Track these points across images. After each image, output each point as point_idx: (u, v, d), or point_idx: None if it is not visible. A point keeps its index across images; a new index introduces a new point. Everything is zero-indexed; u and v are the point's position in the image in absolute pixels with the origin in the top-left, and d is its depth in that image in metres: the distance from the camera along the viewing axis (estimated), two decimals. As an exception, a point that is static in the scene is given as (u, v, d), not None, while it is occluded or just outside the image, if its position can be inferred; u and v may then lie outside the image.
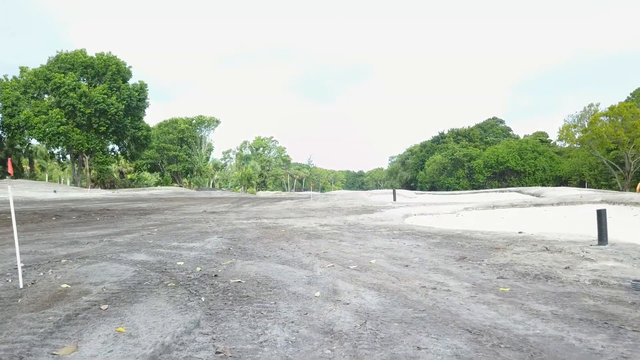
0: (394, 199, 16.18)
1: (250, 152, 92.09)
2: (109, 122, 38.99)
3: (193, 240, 6.26)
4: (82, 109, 37.36)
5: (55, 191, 28.47)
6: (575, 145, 51.36)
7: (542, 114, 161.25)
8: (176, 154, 71.78)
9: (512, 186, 64.00)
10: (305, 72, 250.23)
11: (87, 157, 45.57)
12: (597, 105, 36.00)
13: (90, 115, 37.98)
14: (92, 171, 50.78)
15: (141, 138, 43.32)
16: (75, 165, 42.93)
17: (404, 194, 23.39)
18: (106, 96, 38.17)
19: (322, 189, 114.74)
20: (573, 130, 35.53)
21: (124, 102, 39.63)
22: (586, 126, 34.78)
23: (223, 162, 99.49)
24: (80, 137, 38.41)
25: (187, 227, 8.60)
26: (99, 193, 31.17)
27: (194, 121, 75.43)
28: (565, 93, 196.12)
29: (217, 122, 76.57)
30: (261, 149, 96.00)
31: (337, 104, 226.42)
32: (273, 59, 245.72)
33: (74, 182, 42.95)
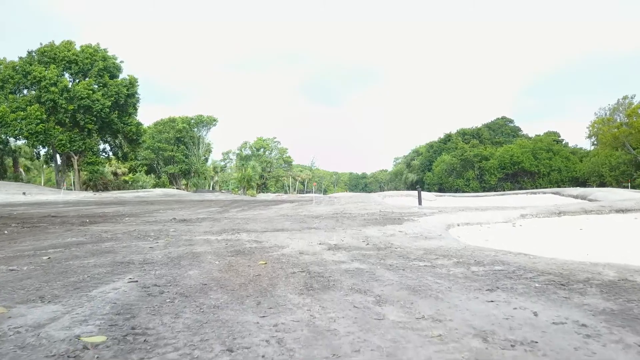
0: (420, 203, 12.84)
1: (250, 153, 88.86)
2: (94, 119, 35.83)
3: (67, 292, 2.96)
4: (64, 105, 34.22)
5: (24, 193, 25.32)
6: (590, 146, 47.84)
7: (545, 116, 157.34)
8: (173, 155, 68.65)
9: (526, 188, 60.52)
10: (308, 75, 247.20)
11: (76, 158, 42.59)
12: (632, 97, 32.53)
13: (74, 111, 34.83)
14: (83, 172, 47.86)
15: (130, 134, 40.06)
16: (60, 165, 39.80)
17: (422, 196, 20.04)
18: (91, 92, 35.01)
19: (325, 191, 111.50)
20: (606, 125, 32.03)
21: (112, 98, 36.52)
22: (619, 120, 31.29)
23: (223, 163, 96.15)
24: (62, 137, 35.26)
25: (111, 250, 5.29)
26: (76, 195, 27.96)
27: (192, 120, 72.42)
28: (567, 94, 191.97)
29: (216, 121, 73.51)
30: (262, 149, 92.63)
31: (341, 106, 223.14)
32: (278, 62, 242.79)
33: (56, 184, 39.82)
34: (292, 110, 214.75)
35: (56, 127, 34.80)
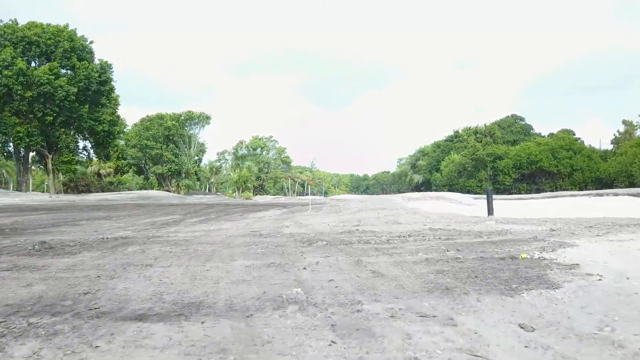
0: (491, 212, 7.61)
1: (246, 153, 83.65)
2: (57, 109, 30.64)
3: None
4: (19, 92, 29.07)
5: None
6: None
7: (546, 115, 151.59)
8: (161, 154, 63.22)
9: (544, 190, 55.35)
10: (308, 75, 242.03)
11: (50, 156, 37.50)
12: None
13: (31, 100, 29.69)
14: (60, 172, 42.90)
15: (100, 133, 34.72)
16: (22, 163, 34.68)
17: (452, 197, 14.94)
18: (53, 77, 29.85)
19: (326, 193, 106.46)
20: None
21: (80, 84, 31.33)
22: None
23: (218, 164, 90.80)
24: (20, 129, 30.10)
25: None
26: (20, 198, 22.77)
27: (182, 117, 67.15)
28: (566, 95, 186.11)
29: (209, 118, 68.32)
30: (259, 149, 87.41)
31: (341, 106, 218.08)
32: (278, 62, 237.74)
33: (18, 185, 34.72)
34: (292, 110, 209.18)
35: (12, 117, 29.73)
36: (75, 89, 30.81)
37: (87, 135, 36.05)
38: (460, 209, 12.66)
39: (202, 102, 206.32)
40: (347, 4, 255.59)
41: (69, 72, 31.83)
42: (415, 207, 9.58)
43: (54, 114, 30.77)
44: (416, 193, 16.49)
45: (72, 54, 32.24)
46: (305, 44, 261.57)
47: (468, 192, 61.22)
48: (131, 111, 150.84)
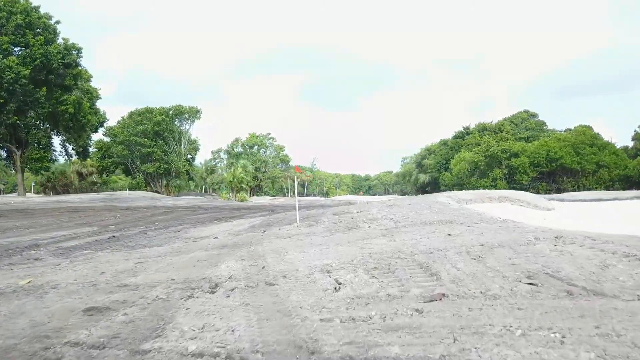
0: None
1: (242, 151, 78.17)
2: (4, 94, 25.73)
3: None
4: (-42, 72, 24.26)
5: None
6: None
7: (547, 115, 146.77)
8: (150, 151, 57.79)
9: (566, 190, 50.13)
10: (309, 75, 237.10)
11: (19, 153, 32.60)
12: None
13: (-26, 82, 24.85)
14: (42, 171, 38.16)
15: (64, 116, 29.72)
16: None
17: (521, 198, 9.96)
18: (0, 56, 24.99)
19: (327, 194, 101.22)
20: None
21: (37, 62, 26.43)
22: None
23: (213, 163, 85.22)
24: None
25: None
26: None
27: (170, 112, 61.80)
28: (566, 95, 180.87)
29: (199, 112, 63.03)
30: (256, 147, 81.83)
31: (341, 107, 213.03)
32: (279, 62, 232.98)
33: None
34: (293, 110, 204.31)
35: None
36: (28, 70, 25.90)
37: (50, 123, 31.13)
38: (535, 215, 7.70)
39: (203, 101, 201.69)
40: (348, 4, 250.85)
41: (22, 50, 26.94)
42: (502, 217, 4.77)
43: (2, 100, 25.84)
44: (466, 192, 11.44)
45: (27, 30, 27.34)
46: (307, 44, 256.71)
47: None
48: (130, 109, 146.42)
